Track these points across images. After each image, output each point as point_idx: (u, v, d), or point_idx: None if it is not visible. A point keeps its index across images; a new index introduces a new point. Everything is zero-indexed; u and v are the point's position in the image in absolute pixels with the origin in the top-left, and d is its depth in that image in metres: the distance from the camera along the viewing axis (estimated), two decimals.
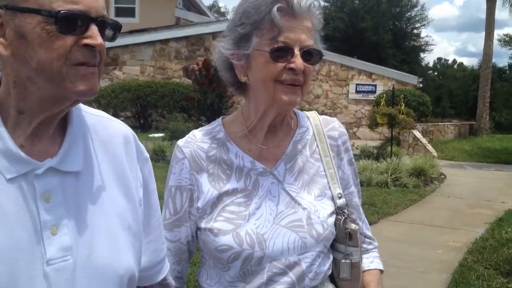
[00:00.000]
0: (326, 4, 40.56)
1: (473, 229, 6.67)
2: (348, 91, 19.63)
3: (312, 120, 1.40)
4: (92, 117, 1.05)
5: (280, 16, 1.15)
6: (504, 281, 4.67)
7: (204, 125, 1.41)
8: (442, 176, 11.15)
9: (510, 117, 37.04)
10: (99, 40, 0.89)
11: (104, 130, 1.05)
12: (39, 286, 0.88)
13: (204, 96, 13.15)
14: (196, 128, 1.41)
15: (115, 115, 16.53)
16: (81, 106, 1.05)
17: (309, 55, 1.20)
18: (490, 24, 23.39)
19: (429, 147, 15.09)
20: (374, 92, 19.08)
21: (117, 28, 0.96)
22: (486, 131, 22.96)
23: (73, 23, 0.86)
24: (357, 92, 19.53)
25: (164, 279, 1.24)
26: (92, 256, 0.93)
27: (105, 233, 0.96)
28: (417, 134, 15.42)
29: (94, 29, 0.89)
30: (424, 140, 15.43)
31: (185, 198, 1.30)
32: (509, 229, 6.54)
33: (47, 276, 0.88)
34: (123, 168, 1.04)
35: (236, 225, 1.23)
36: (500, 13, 49.78)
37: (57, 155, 0.93)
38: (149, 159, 1.14)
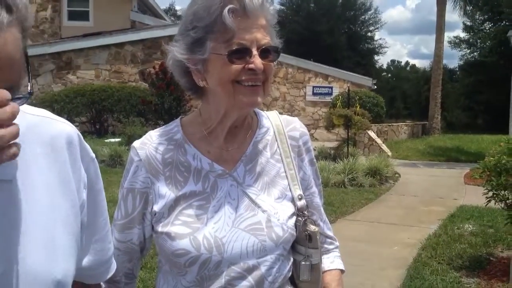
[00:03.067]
0: (282, 7, 40.95)
1: (427, 226, 6.89)
2: (305, 93, 19.86)
3: (273, 120, 1.37)
4: (33, 117, 0.99)
5: (232, 17, 1.12)
6: (457, 275, 4.84)
7: None
8: (397, 175, 11.45)
9: (460, 117, 38.45)
10: None
11: (46, 131, 0.99)
12: None
13: (161, 100, 13.03)
14: None
15: (70, 120, 16.00)
16: (22, 106, 0.97)
17: (267, 52, 1.18)
18: (440, 26, 24.18)
19: (384, 147, 15.45)
20: (331, 94, 19.38)
21: None
22: (438, 130, 23.70)
23: None
24: (314, 94, 19.80)
25: (113, 276, 1.22)
26: (23, 264, 0.89)
27: (42, 239, 0.92)
28: (372, 134, 15.77)
29: None
30: (379, 140, 15.79)
31: (138, 201, 1.27)
32: (461, 225, 6.80)
33: None
34: (65, 170, 0.99)
35: (194, 229, 1.21)
36: (451, 16, 51.52)
37: None
38: (95, 159, 1.10)
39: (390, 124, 20.53)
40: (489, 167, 5.06)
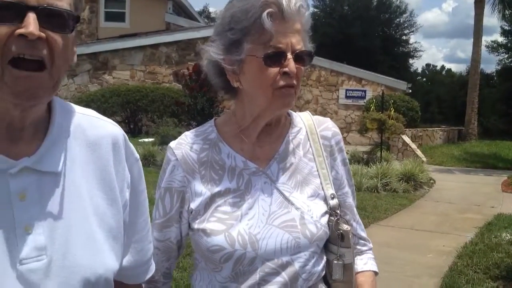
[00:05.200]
0: (316, 10, 40.78)
1: (462, 234, 6.71)
2: (338, 96, 19.70)
3: (305, 120, 1.40)
4: (82, 116, 1.05)
5: (271, 21, 1.14)
6: (494, 285, 4.69)
7: None
8: (431, 181, 11.21)
9: (497, 123, 37.43)
10: (30, 28, 0.82)
11: (93, 130, 1.04)
12: (11, 285, 0.86)
13: (194, 101, 13.12)
14: None
15: None
16: (72, 106, 1.05)
17: (301, 57, 1.20)
18: (478, 30, 23.64)
19: (418, 152, 15.17)
20: (364, 97, 19.16)
21: (72, 18, 0.90)
22: (475, 136, 23.15)
23: (5, 11, 0.82)
24: (347, 97, 19.61)
25: (152, 276, 1.24)
26: (67, 256, 0.92)
27: (82, 233, 0.95)
28: (406, 139, 15.51)
29: (30, 17, 0.83)
30: (413, 145, 15.52)
31: (175, 200, 1.29)
32: (498, 234, 6.58)
33: (20, 275, 0.87)
34: (108, 169, 1.03)
35: (228, 225, 1.22)
36: (489, 20, 50.25)
37: (34, 155, 0.92)
38: (139, 160, 1.14)
39: (425, 129, 20.14)
40: None
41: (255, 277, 1.21)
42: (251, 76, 1.21)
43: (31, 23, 0.82)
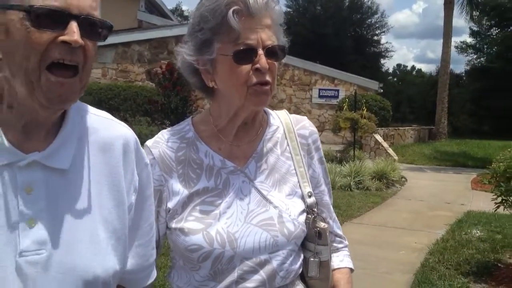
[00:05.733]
0: (289, 9, 40.92)
1: (434, 231, 6.83)
2: (311, 95, 19.84)
3: (282, 118, 1.39)
4: (95, 117, 1.07)
5: (237, 18, 1.13)
6: (464, 281, 4.78)
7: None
8: (403, 179, 11.40)
9: (467, 122, 38.29)
10: (75, 36, 0.87)
11: (105, 131, 1.06)
12: (10, 276, 0.87)
13: (168, 99, 13.01)
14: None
15: None
16: (87, 107, 1.08)
17: (273, 52, 1.19)
18: (448, 31, 24.11)
19: (390, 151, 15.39)
20: (337, 97, 19.35)
21: (106, 27, 0.95)
22: (445, 135, 23.61)
23: (48, 19, 0.86)
24: (320, 96, 19.76)
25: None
26: (68, 253, 0.92)
27: (85, 232, 0.96)
28: (379, 138, 15.71)
29: (73, 26, 0.87)
30: (385, 144, 15.73)
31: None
32: (468, 230, 6.73)
33: (18, 267, 0.88)
34: (118, 171, 1.04)
35: (207, 224, 1.22)
36: (458, 21, 51.55)
37: (44, 150, 0.93)
38: (149, 165, 1.16)
39: (396, 128, 20.44)
40: (499, 173, 5.00)
41: (233, 276, 1.21)
42: (224, 75, 1.20)
43: (76, 32, 0.87)
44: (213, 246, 1.19)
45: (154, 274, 1.22)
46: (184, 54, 1.24)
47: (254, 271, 1.22)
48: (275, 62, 1.21)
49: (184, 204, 1.25)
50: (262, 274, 1.22)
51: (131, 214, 1.07)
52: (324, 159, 1.44)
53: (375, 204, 8.72)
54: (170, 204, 1.26)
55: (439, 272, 5.03)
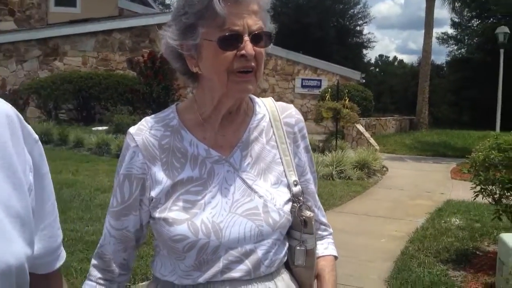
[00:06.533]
0: None
1: (414, 219, 6.93)
2: (294, 85, 19.87)
3: (268, 106, 1.38)
4: None
5: (223, 3, 1.11)
6: (443, 268, 4.87)
7: None
8: (384, 169, 11.52)
9: (447, 112, 38.75)
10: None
11: None
12: None
13: (149, 88, 12.92)
14: None
15: (57, 107, 15.96)
16: None
17: (259, 38, 1.18)
18: (429, 22, 24.27)
19: (372, 140, 15.52)
20: (319, 86, 19.40)
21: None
22: (425, 125, 23.87)
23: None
24: (303, 86, 19.81)
25: (108, 266, 1.21)
26: None
27: None
28: (361, 128, 15.82)
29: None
30: (367, 134, 15.85)
31: (135, 187, 1.26)
32: (448, 219, 6.85)
33: None
34: (7, 150, 0.93)
35: (192, 214, 1.21)
36: (440, 12, 51.93)
37: None
38: (39, 141, 1.04)
39: (378, 118, 20.61)
40: (478, 162, 5.08)
41: (218, 265, 1.21)
42: (208, 61, 1.18)
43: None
44: (198, 236, 1.19)
45: (64, 256, 1.14)
46: (168, 38, 1.22)
47: (239, 260, 1.22)
48: (261, 49, 1.19)
49: (168, 193, 1.24)
50: (247, 264, 1.22)
51: (32, 195, 0.98)
52: (310, 147, 1.43)
53: (357, 193, 8.82)
54: (153, 193, 1.24)
55: (418, 259, 5.11)
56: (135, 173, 1.25)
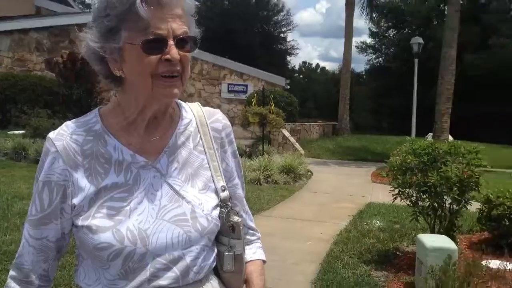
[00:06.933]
0: (197, 3, 40.55)
1: (338, 222, 7.12)
2: (220, 90, 19.87)
3: (195, 111, 1.36)
4: None
5: (146, 7, 1.08)
6: (366, 269, 5.02)
7: None
8: (309, 173, 11.77)
9: (367, 119, 40.43)
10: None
11: None
12: None
13: (70, 91, 12.38)
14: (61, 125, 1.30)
15: None
16: None
17: (184, 43, 1.15)
18: (349, 31, 25.22)
19: (297, 145, 15.83)
20: (246, 92, 19.55)
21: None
22: (347, 131, 24.73)
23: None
24: (230, 91, 19.87)
25: (26, 276, 1.16)
26: None
27: None
28: (286, 133, 16.09)
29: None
30: (292, 139, 16.15)
31: (55, 195, 1.19)
32: (369, 221, 7.10)
33: None
34: None
35: (116, 221, 1.16)
36: (359, 21, 54.14)
37: None
38: None
39: (302, 123, 21.07)
40: (396, 166, 5.30)
41: (145, 274, 1.17)
42: (132, 64, 1.15)
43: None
44: (124, 244, 1.14)
45: None
46: (89, 40, 1.16)
47: (167, 268, 1.19)
48: (187, 53, 1.17)
49: (91, 200, 1.18)
50: (175, 271, 1.19)
51: None
52: (237, 152, 1.43)
53: (283, 197, 8.94)
54: (76, 200, 1.18)
55: (343, 261, 5.25)
56: (55, 180, 1.19)
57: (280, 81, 20.90)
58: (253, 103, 14.30)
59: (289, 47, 47.54)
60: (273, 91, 18.20)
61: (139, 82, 1.15)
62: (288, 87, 21.58)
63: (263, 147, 12.52)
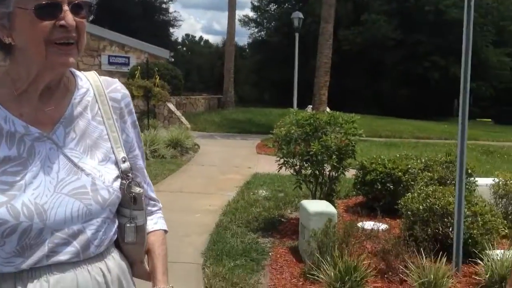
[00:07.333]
0: None
1: (226, 193, 7.29)
2: (100, 62, 18.97)
3: (92, 81, 1.31)
4: None
5: None
6: (254, 237, 5.24)
7: None
8: (196, 146, 11.84)
9: (250, 92, 41.25)
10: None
11: None
12: None
13: None
14: None
15: None
16: None
17: (80, 8, 1.11)
18: (232, 5, 25.34)
19: (183, 119, 15.76)
20: (128, 64, 18.89)
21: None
22: (232, 104, 25.07)
23: None
24: (110, 63, 19.05)
25: None
26: None
27: None
28: (172, 106, 15.93)
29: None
30: (178, 113, 16.04)
31: None
32: (256, 191, 7.37)
33: None
34: None
35: (10, 196, 1.10)
36: None
37: None
38: None
39: (188, 97, 20.96)
40: (280, 137, 5.55)
41: (43, 249, 1.13)
42: (23, 31, 1.08)
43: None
44: (19, 219, 1.09)
45: None
46: None
47: (66, 242, 1.15)
48: (83, 20, 1.13)
49: None
50: (75, 245, 1.17)
51: None
52: (137, 123, 1.41)
53: (171, 171, 8.92)
54: None
55: (232, 230, 5.41)
56: None
57: (164, 53, 20.49)
58: (136, 76, 13.89)
59: (171, 18, 46.60)
60: (157, 63, 17.82)
61: (32, 50, 1.10)
62: (172, 59, 21.22)
63: (148, 121, 12.30)
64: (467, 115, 4.14)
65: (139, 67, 15.80)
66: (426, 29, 32.37)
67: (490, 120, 33.83)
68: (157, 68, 15.84)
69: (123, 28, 25.08)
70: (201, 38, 67.36)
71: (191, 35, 66.14)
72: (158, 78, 13.58)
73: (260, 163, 10.12)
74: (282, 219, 5.95)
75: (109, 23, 23.45)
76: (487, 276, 3.80)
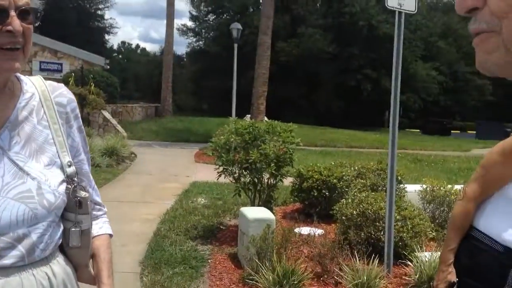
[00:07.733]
0: None
1: (164, 202, 7.23)
2: (31, 68, 18.26)
3: (37, 85, 1.32)
4: None
5: None
6: (193, 244, 5.24)
7: None
8: (133, 155, 11.66)
9: (188, 101, 41.05)
10: None
11: None
12: None
13: None
14: None
15: None
16: None
17: (27, 14, 1.13)
18: (170, 13, 25.20)
19: (119, 127, 15.45)
20: (61, 70, 18.34)
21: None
22: (170, 112, 24.86)
23: None
24: (42, 70, 18.38)
25: None
26: None
27: None
28: (107, 115, 15.57)
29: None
30: (114, 121, 15.70)
31: None
32: (195, 199, 7.36)
33: None
34: None
35: None
36: (180, 4, 54.18)
37: None
38: None
39: (124, 105, 20.59)
40: (220, 145, 5.61)
41: None
42: None
43: None
44: None
45: None
46: None
47: (11, 246, 1.15)
48: (30, 25, 1.14)
49: None
50: (20, 249, 1.17)
51: None
52: (83, 128, 1.42)
53: (107, 180, 8.74)
54: None
55: (170, 239, 5.39)
56: None
57: (99, 60, 20.05)
58: (70, 83, 13.51)
59: (107, 25, 45.64)
60: (92, 71, 17.41)
61: None
62: (108, 67, 20.79)
63: None
64: (397, 125, 4.37)
65: (73, 74, 15.39)
66: (359, 44, 33.63)
67: (418, 130, 35.59)
68: (92, 75, 15.47)
69: (56, 34, 24.28)
70: (137, 46, 66.45)
71: (128, 43, 65.10)
72: (93, 85, 13.28)
73: (199, 172, 10.12)
74: (221, 227, 5.99)
75: (41, 28, 22.61)
76: (416, 276, 4.02)
